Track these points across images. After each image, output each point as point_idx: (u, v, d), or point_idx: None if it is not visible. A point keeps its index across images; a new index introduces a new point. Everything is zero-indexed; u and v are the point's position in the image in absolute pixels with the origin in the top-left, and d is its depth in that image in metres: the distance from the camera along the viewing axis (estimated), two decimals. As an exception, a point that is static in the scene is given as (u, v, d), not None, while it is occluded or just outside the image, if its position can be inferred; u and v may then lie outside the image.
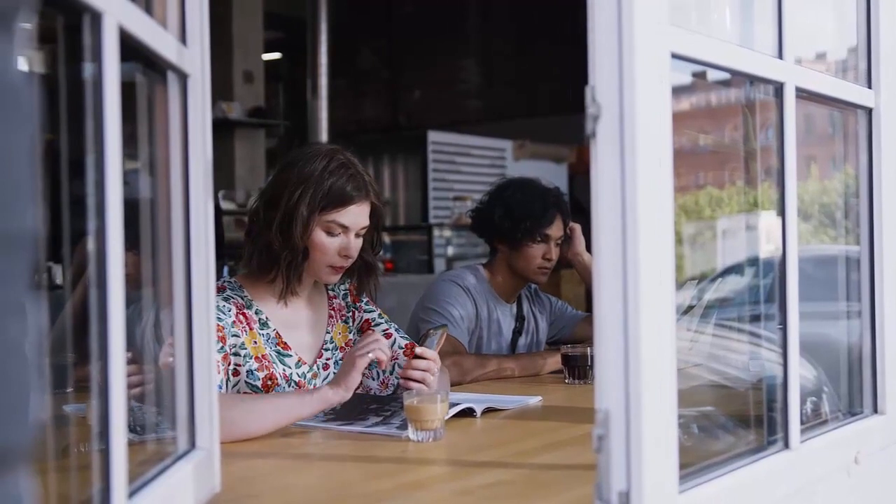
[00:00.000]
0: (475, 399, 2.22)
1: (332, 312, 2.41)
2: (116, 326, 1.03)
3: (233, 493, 1.50)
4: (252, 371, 2.18)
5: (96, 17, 1.01)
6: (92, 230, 1.03)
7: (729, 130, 2.09)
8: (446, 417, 1.95)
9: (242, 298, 2.25)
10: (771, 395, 1.62)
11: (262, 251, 2.23)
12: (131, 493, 1.10)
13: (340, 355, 2.37)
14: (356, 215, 2.24)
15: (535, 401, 2.38)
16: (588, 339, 3.02)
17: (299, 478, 1.69)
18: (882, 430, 1.81)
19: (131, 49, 1.13)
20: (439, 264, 7.44)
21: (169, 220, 1.38)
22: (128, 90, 1.10)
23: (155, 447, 1.46)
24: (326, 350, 2.36)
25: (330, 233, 2.22)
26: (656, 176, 1.20)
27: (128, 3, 1.09)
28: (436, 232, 7.58)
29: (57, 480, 1.20)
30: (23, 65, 0.60)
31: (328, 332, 2.38)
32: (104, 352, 1.03)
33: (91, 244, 1.03)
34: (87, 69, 1.04)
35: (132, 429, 1.27)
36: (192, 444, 1.39)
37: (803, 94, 1.59)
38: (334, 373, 2.32)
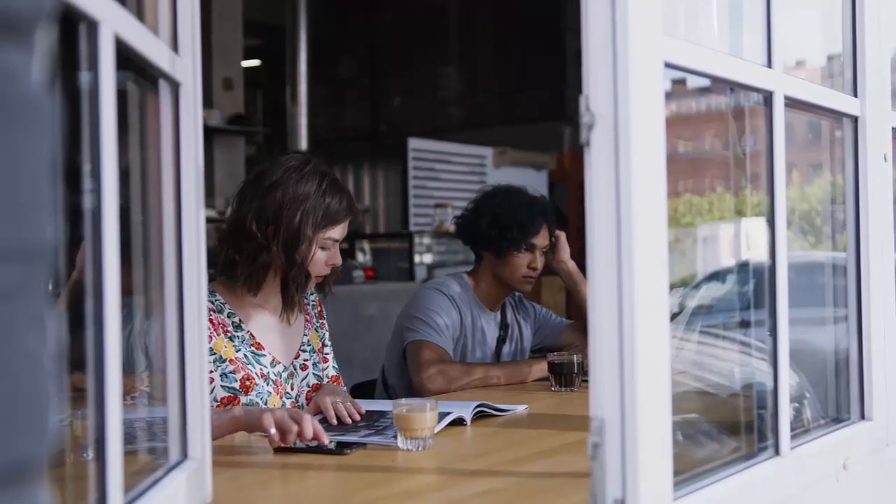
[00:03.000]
0: (463, 406, 2.22)
1: (308, 317, 2.50)
2: (112, 336, 1.02)
3: (224, 504, 1.49)
4: (227, 374, 2.24)
5: (93, 26, 1.00)
6: (88, 238, 1.02)
7: (709, 137, 2.11)
8: (438, 429, 1.95)
9: (213, 303, 2.29)
10: (760, 401, 1.62)
11: (262, 269, 2.28)
12: (126, 505, 1.10)
13: (317, 358, 2.46)
14: (345, 228, 2.36)
15: (522, 409, 2.39)
16: (572, 347, 3.02)
17: (290, 488, 1.69)
18: (870, 436, 1.82)
19: (123, 57, 1.12)
20: (420, 272, 7.42)
21: (160, 228, 1.37)
22: (119, 98, 1.10)
23: (145, 457, 1.45)
24: (304, 351, 2.44)
25: (323, 248, 2.32)
26: (651, 184, 1.20)
27: (124, 12, 1.08)
28: (416, 239, 7.55)
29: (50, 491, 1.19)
30: (42, 75, 0.60)
31: (305, 335, 2.46)
32: (100, 361, 1.02)
33: (87, 253, 1.02)
34: (83, 77, 1.03)
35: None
36: (185, 455, 1.38)
37: (791, 103, 1.60)
38: (313, 373, 2.43)
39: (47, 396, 0.58)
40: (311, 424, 1.86)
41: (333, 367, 2.55)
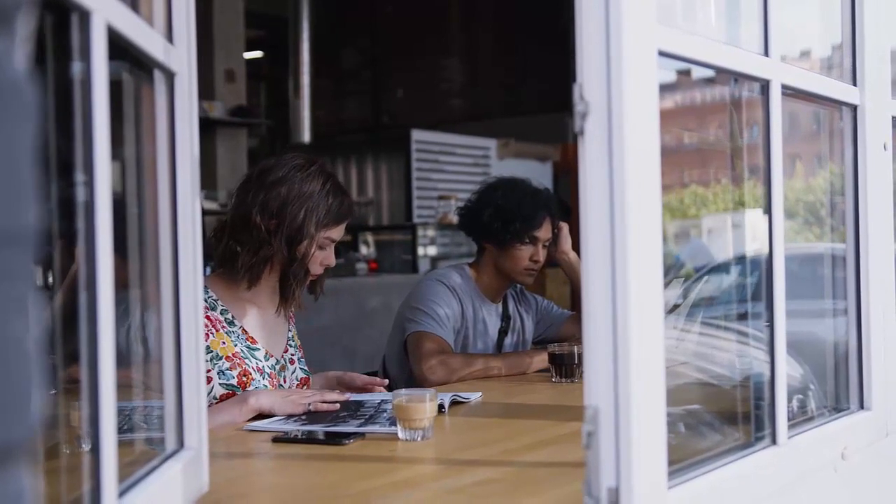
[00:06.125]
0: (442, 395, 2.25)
1: (291, 315, 2.53)
2: (106, 327, 1.03)
3: (221, 493, 1.49)
4: (224, 371, 2.26)
5: (85, 16, 1.00)
6: (81, 231, 1.02)
7: (713, 128, 2.10)
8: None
9: (206, 300, 2.30)
10: (758, 391, 1.62)
11: (262, 262, 2.31)
12: (121, 493, 1.10)
13: (300, 354, 2.52)
14: (343, 230, 2.41)
15: (476, 396, 2.41)
16: (574, 338, 3.02)
17: (288, 478, 1.69)
18: (868, 425, 1.82)
19: (118, 47, 1.12)
20: (423, 264, 7.43)
21: (156, 220, 1.37)
22: (113, 89, 1.10)
23: (142, 447, 1.45)
24: (291, 346, 2.49)
25: (321, 247, 2.35)
26: (644, 173, 1.20)
27: (116, 2, 1.08)
28: (420, 231, 7.55)
29: (45, 481, 1.19)
30: (23, 62, 0.60)
31: (290, 331, 2.51)
32: (93, 352, 1.02)
33: (80, 245, 1.02)
34: (75, 67, 1.03)
35: (119, 429, 1.27)
36: (181, 444, 1.39)
37: (789, 92, 1.60)
38: (300, 368, 2.49)
39: (31, 381, 0.59)
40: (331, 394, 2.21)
41: (303, 369, 2.56)
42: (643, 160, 1.20)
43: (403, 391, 1.98)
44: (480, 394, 2.45)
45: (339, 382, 2.51)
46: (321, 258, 2.36)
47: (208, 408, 2.17)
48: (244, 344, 2.32)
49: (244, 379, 2.27)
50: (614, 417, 1.17)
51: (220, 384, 2.24)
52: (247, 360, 2.30)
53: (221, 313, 2.32)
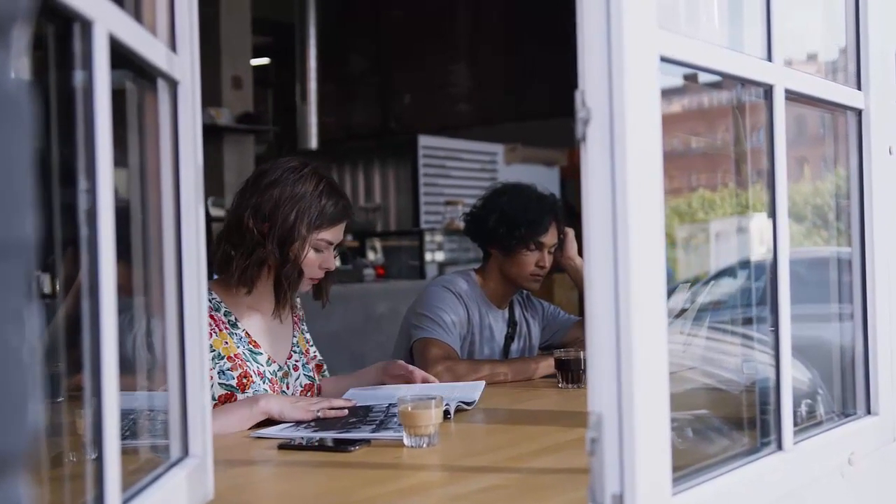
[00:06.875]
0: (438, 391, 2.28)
1: (296, 320, 2.54)
2: (108, 334, 1.03)
3: (226, 501, 1.49)
4: (224, 371, 2.27)
5: (87, 25, 1.00)
6: (84, 239, 1.02)
7: (721, 133, 2.10)
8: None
9: (210, 301, 2.31)
10: (764, 396, 1.62)
11: (256, 265, 2.31)
12: (125, 501, 1.10)
13: (305, 360, 2.51)
14: (341, 232, 2.39)
15: (480, 386, 2.46)
16: (580, 343, 3.02)
17: (293, 485, 1.69)
18: (875, 431, 1.82)
19: (121, 56, 1.13)
20: (431, 270, 7.42)
21: (160, 228, 1.38)
22: (117, 97, 1.10)
23: (147, 454, 1.45)
24: (295, 352, 2.49)
25: (317, 249, 2.35)
26: (647, 179, 1.20)
27: (118, 11, 1.09)
28: (427, 237, 7.54)
29: (50, 489, 1.20)
30: (20, 73, 0.60)
31: (294, 337, 2.50)
32: (97, 360, 1.02)
33: (83, 253, 1.03)
34: (77, 76, 1.04)
35: (123, 436, 1.27)
36: (186, 452, 1.39)
37: (793, 96, 1.60)
38: (304, 374, 2.48)
39: (27, 391, 0.59)
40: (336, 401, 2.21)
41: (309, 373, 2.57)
42: (645, 166, 1.20)
43: (409, 397, 1.98)
44: (483, 383, 2.48)
45: (386, 373, 2.52)
46: (319, 261, 2.35)
47: (214, 408, 2.18)
48: (246, 347, 2.33)
49: (244, 381, 2.27)
50: (618, 424, 1.17)
51: (219, 384, 2.25)
52: (248, 363, 2.30)
53: (225, 315, 2.33)
